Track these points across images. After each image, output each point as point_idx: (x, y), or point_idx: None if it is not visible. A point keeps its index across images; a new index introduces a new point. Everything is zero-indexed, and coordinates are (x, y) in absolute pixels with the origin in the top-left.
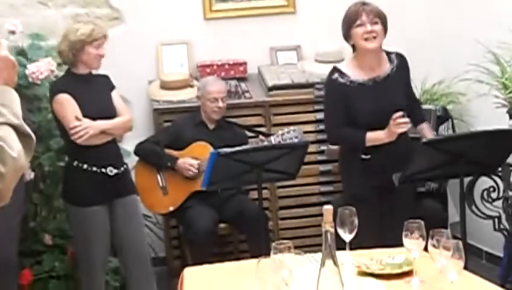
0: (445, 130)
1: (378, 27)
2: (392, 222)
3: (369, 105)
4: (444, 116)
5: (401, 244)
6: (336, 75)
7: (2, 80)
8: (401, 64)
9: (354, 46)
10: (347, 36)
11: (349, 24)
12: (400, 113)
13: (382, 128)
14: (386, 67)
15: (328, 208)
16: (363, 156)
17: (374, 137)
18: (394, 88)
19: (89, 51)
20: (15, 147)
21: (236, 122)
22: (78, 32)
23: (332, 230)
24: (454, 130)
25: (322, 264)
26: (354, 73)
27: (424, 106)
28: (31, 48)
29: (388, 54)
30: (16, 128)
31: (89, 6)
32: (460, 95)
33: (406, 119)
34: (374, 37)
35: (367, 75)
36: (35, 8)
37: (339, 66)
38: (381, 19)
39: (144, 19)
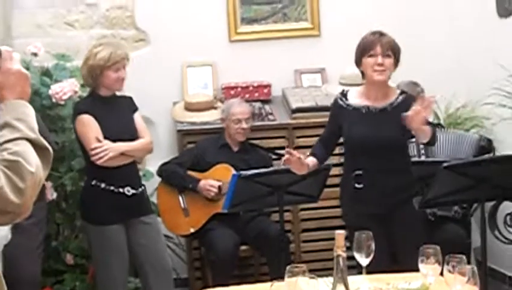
0: None
1: (388, 61)
2: (401, 249)
3: (356, 130)
4: (487, 148)
5: (413, 270)
6: (339, 96)
7: (16, 94)
8: (405, 103)
9: (362, 74)
10: (358, 63)
11: (362, 52)
12: (287, 150)
13: (367, 154)
14: (387, 102)
15: (340, 233)
16: (356, 185)
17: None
18: (386, 122)
19: (108, 75)
20: (33, 162)
21: (259, 144)
22: (97, 57)
23: (344, 255)
24: None
25: (334, 288)
26: (356, 99)
27: (466, 133)
28: (56, 68)
29: (401, 93)
30: (32, 142)
31: (115, 27)
32: (485, 119)
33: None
34: (383, 70)
35: (365, 103)
36: (62, 28)
37: (347, 90)
38: (395, 52)
39: (169, 41)
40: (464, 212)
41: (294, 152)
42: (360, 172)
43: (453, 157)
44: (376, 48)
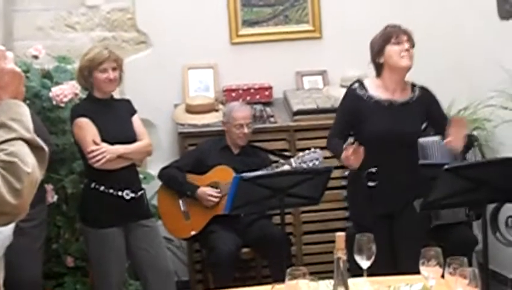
0: (473, 156)
1: (412, 50)
2: (405, 249)
3: (378, 124)
4: (469, 142)
5: (415, 272)
6: (356, 85)
7: (10, 94)
8: (424, 96)
9: (379, 67)
10: (379, 53)
11: (385, 41)
12: (344, 147)
13: (385, 149)
14: (406, 95)
15: (340, 235)
16: (370, 184)
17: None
18: (409, 116)
19: (96, 76)
20: (29, 162)
21: (260, 146)
22: (85, 58)
23: (345, 257)
24: (483, 156)
25: None
26: (374, 90)
27: None
28: (57, 70)
29: (413, 85)
30: (28, 142)
31: (116, 30)
32: (486, 121)
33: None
34: (410, 57)
35: (386, 96)
36: (63, 31)
37: (364, 80)
38: (413, 46)
39: (171, 43)
40: (478, 214)
41: (349, 147)
42: (373, 170)
43: (450, 160)
44: (401, 36)
